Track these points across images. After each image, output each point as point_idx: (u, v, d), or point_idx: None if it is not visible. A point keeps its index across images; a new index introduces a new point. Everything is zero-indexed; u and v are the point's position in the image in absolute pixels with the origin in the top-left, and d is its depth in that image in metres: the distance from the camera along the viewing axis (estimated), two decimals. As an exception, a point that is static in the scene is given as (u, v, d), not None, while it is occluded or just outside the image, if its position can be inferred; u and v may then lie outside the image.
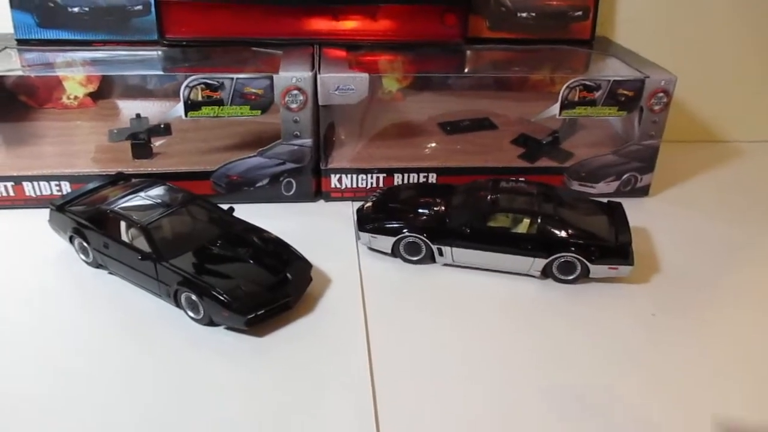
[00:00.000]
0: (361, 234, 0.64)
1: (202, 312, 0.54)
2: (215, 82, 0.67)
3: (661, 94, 0.71)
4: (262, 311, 0.53)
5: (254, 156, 0.72)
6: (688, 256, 0.66)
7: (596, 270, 0.60)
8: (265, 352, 0.53)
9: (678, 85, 0.71)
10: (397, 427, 0.46)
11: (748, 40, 0.91)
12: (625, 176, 0.76)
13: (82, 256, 0.62)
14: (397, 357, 0.52)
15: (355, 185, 0.74)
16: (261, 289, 0.54)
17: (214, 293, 0.53)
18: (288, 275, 0.56)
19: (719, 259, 0.67)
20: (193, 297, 0.54)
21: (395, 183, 0.74)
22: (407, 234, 0.62)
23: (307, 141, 0.71)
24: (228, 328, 0.54)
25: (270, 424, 0.46)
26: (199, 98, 0.68)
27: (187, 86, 0.67)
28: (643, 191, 0.77)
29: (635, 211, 0.66)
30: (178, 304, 0.56)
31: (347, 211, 0.73)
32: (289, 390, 0.49)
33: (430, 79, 0.87)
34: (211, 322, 0.55)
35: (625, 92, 0.71)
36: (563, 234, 0.60)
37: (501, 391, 0.49)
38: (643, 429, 0.46)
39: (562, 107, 0.71)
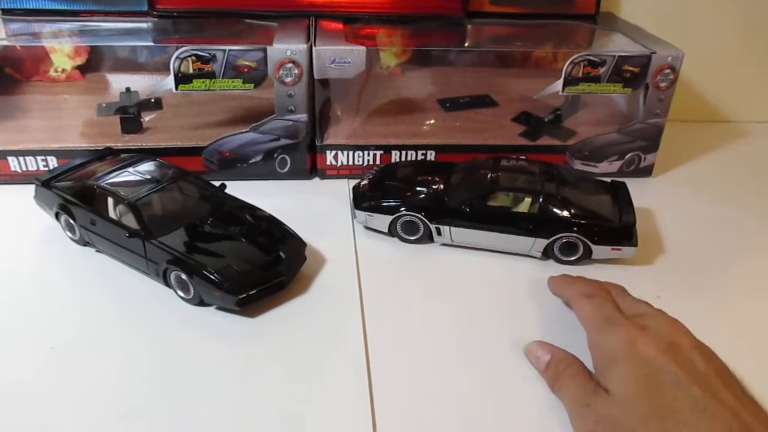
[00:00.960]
0: (357, 212, 0.63)
1: (192, 292, 0.52)
2: (207, 54, 0.65)
3: (668, 71, 0.69)
4: (255, 291, 0.52)
5: (247, 131, 0.70)
6: (693, 237, 0.65)
7: (599, 251, 0.58)
8: (258, 332, 0.51)
9: (683, 63, 0.69)
10: (393, 407, 0.44)
11: (755, 18, 0.88)
12: (629, 156, 0.74)
13: (69, 234, 0.60)
14: (393, 338, 0.50)
15: (351, 162, 0.72)
16: (253, 268, 0.52)
17: (205, 272, 0.51)
18: (281, 254, 0.54)
19: (724, 240, 0.65)
20: (183, 276, 0.52)
21: (392, 160, 0.72)
22: (404, 212, 0.60)
23: (302, 116, 0.69)
24: (219, 309, 0.53)
25: (263, 405, 0.44)
26: (190, 71, 0.65)
27: (177, 58, 0.65)
28: (647, 171, 0.75)
29: (638, 191, 0.64)
30: (167, 284, 0.54)
31: (343, 188, 0.71)
32: (283, 371, 0.47)
33: (429, 54, 0.85)
34: (201, 302, 0.53)
35: (631, 68, 0.69)
36: (565, 214, 0.58)
37: (498, 373, 0.48)
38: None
39: (566, 83, 0.69)
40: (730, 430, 0.37)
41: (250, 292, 0.51)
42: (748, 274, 0.60)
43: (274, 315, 0.53)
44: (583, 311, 0.49)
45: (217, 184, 0.61)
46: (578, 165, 0.74)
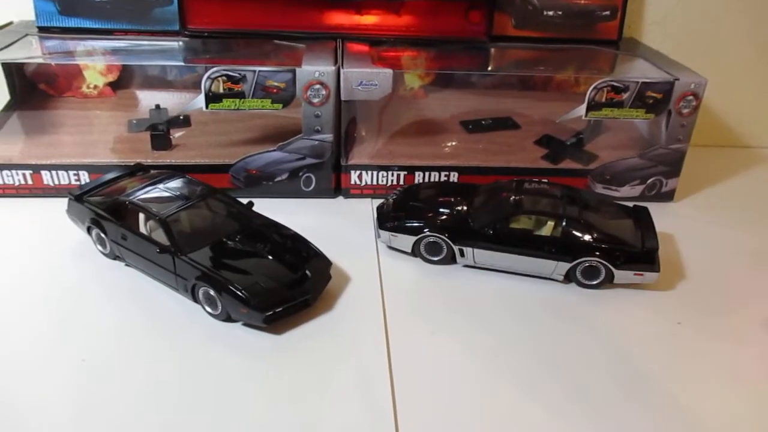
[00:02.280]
0: (381, 232, 0.63)
1: (220, 308, 0.53)
2: (237, 75, 0.66)
3: (690, 97, 0.70)
4: (281, 308, 0.53)
5: (274, 150, 0.71)
6: (715, 263, 0.65)
7: (621, 276, 0.59)
8: (283, 349, 0.52)
9: (705, 89, 0.69)
10: (417, 427, 0.45)
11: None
12: (651, 180, 0.74)
13: (100, 248, 0.62)
14: (416, 358, 0.51)
15: (375, 182, 0.73)
16: (280, 286, 0.53)
17: (233, 289, 0.52)
18: (307, 272, 0.55)
19: (746, 267, 0.65)
20: (211, 292, 0.53)
21: (416, 181, 0.73)
22: (428, 233, 0.61)
23: (328, 136, 0.70)
24: (246, 325, 0.54)
25: (287, 422, 0.45)
26: (221, 90, 0.67)
27: (208, 78, 0.66)
28: (668, 196, 0.76)
29: (660, 216, 0.64)
30: (195, 299, 0.55)
31: (367, 208, 0.72)
32: (306, 389, 0.48)
33: (452, 77, 0.87)
34: (228, 318, 0.54)
35: (654, 94, 0.69)
36: (588, 238, 0.58)
37: (521, 396, 0.48)
38: (669, 441, 0.45)
39: (589, 108, 0.70)
40: None
41: (277, 310, 0.52)
42: (770, 302, 0.60)
43: (300, 332, 0.53)
44: None
45: (244, 201, 0.62)
46: (600, 189, 0.75)
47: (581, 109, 0.70)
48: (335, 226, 0.69)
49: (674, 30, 0.87)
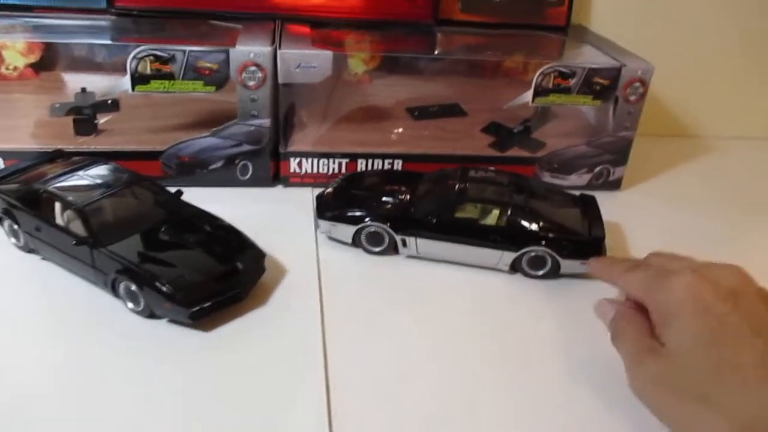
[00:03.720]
0: (320, 222, 0.60)
1: (143, 303, 0.49)
2: (166, 54, 0.62)
3: (638, 84, 0.68)
4: (209, 303, 0.49)
5: (207, 136, 0.67)
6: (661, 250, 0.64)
7: (568, 265, 0.57)
8: (212, 348, 0.48)
9: (652, 77, 0.68)
10: (352, 428, 0.42)
11: (724, 34, 0.89)
12: (598, 168, 0.73)
13: (13, 240, 0.57)
14: (354, 354, 0.48)
15: (315, 170, 0.70)
16: (208, 280, 0.50)
17: (156, 283, 0.48)
18: (238, 265, 0.52)
19: (694, 255, 0.64)
20: (133, 287, 0.49)
21: (359, 169, 0.70)
22: (369, 223, 0.58)
23: (265, 121, 0.66)
24: (171, 322, 0.50)
25: (214, 426, 0.42)
26: (148, 71, 0.62)
27: (134, 57, 0.62)
28: (616, 185, 0.75)
29: (607, 204, 0.63)
30: (116, 294, 0.51)
31: (307, 197, 0.69)
32: (236, 390, 0.44)
33: (398, 61, 0.83)
34: (152, 315, 0.50)
35: (601, 81, 0.68)
36: (534, 227, 0.57)
37: (464, 390, 0.46)
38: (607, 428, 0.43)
39: (536, 94, 0.68)
40: None
41: (204, 305, 0.49)
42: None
43: (230, 329, 0.50)
44: (631, 284, 0.46)
45: (173, 190, 0.58)
46: (547, 177, 0.73)
47: (528, 95, 0.68)
48: (273, 216, 0.65)
49: (622, 17, 0.86)
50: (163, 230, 0.53)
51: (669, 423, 0.39)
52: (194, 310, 0.48)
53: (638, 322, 0.43)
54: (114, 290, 0.51)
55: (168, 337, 0.49)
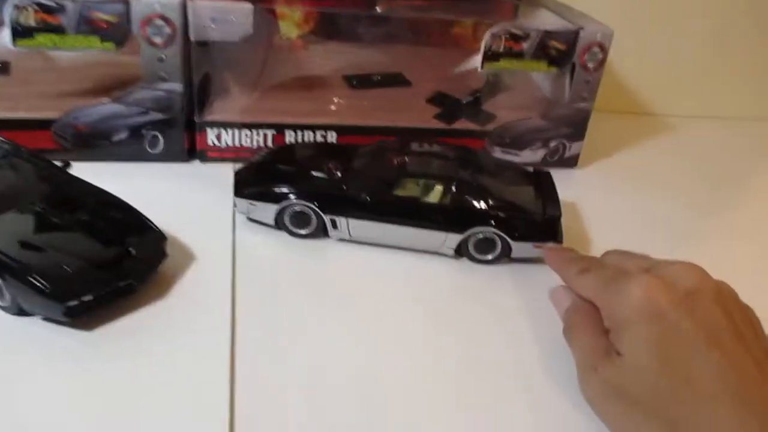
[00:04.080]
0: (237, 200, 0.52)
1: (9, 298, 0.40)
2: (52, 3, 0.52)
3: (597, 50, 0.62)
4: (90, 297, 0.40)
5: (108, 102, 0.58)
6: (622, 233, 0.58)
7: (519, 249, 0.50)
8: (96, 350, 0.40)
9: (610, 53, 0.62)
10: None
11: (685, 11, 0.84)
12: (553, 144, 0.67)
13: None
14: (270, 360, 0.40)
15: (237, 144, 0.61)
16: (90, 268, 0.41)
17: (23, 273, 0.39)
18: (131, 249, 0.43)
19: (653, 236, 0.58)
20: (-5, 277, 0.40)
21: (287, 142, 0.62)
22: (294, 201, 0.50)
23: (176, 86, 0.57)
24: (46, 319, 0.41)
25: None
26: (32, 22, 0.53)
27: (14, 6, 0.52)
28: (572, 162, 0.69)
29: (563, 183, 0.56)
30: (-23, 287, 0.42)
31: (227, 175, 0.59)
32: (125, 400, 0.36)
33: (336, 27, 0.75)
34: (22, 311, 0.41)
35: (557, 45, 0.61)
36: (482, 205, 0.50)
37: (403, 396, 0.39)
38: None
39: (485, 58, 0.61)
40: (753, 410, 0.32)
41: (84, 299, 0.40)
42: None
43: (118, 328, 0.41)
44: (584, 288, 0.42)
45: (60, 164, 0.49)
46: (498, 153, 0.66)
47: (476, 60, 0.61)
48: (185, 195, 0.57)
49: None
50: (40, 209, 0.44)
51: None
52: (71, 305, 0.39)
53: (594, 319, 0.40)
54: (-26, 282, 0.42)
55: (41, 337, 0.40)
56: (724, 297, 0.37)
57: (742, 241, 0.60)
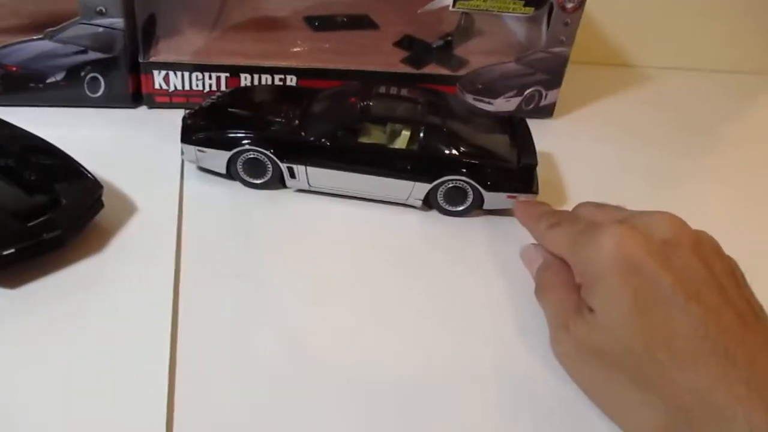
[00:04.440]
0: (185, 147, 0.47)
1: None
2: None
3: (576, -12, 0.58)
4: (11, 250, 0.36)
5: (41, 39, 0.52)
6: (599, 183, 0.55)
7: (492, 199, 0.47)
8: (17, 311, 0.35)
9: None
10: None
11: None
12: (528, 91, 0.63)
13: None
14: (216, 323, 0.37)
15: (188, 87, 0.56)
16: (10, 218, 0.36)
17: (-69, 223, 0.34)
18: (61, 198, 0.38)
19: (632, 185, 0.56)
20: None
21: (242, 85, 0.57)
22: (247, 147, 0.46)
23: (117, 21, 0.52)
24: (-39, 276, 0.37)
25: (22, 414, 0.30)
26: (-53, -55, 0.47)
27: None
28: (548, 111, 0.65)
29: (538, 133, 0.53)
30: None
31: (176, 121, 0.55)
32: (52, 367, 0.32)
33: (297, -37, 0.70)
34: (-66, 267, 0.36)
35: (534, -18, 0.57)
36: (452, 151, 0.46)
37: (364, 351, 0.35)
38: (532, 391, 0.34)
39: (457, -5, 0.56)
40: (734, 364, 0.29)
41: (4, 252, 0.35)
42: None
43: (47, 285, 0.37)
44: (554, 243, 0.39)
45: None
46: (470, 101, 0.62)
47: (448, -3, 0.57)
48: (130, 143, 0.52)
49: None
50: (-47, 153, 0.39)
51: (595, 398, 0.34)
52: (-12, 259, 0.35)
53: (566, 275, 0.37)
54: None
55: (-44, 297, 0.36)
56: (704, 247, 0.34)
57: (717, 186, 0.58)
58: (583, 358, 0.34)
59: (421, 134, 0.46)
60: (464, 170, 0.46)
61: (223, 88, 0.57)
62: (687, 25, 0.85)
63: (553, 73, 0.62)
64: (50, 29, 0.52)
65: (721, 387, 0.29)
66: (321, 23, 0.65)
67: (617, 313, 0.32)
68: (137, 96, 0.56)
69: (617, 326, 0.32)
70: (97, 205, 0.41)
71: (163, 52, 0.56)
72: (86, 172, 0.41)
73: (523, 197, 0.46)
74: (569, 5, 0.59)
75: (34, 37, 0.52)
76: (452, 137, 0.46)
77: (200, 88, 0.56)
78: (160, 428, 0.30)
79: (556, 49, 0.61)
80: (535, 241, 0.42)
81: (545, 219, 0.41)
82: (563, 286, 0.37)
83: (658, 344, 0.31)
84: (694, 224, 0.35)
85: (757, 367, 0.29)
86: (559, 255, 0.39)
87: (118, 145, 0.51)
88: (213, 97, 0.52)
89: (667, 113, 0.73)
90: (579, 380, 0.35)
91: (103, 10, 0.51)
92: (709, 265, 0.33)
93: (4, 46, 0.52)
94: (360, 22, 0.67)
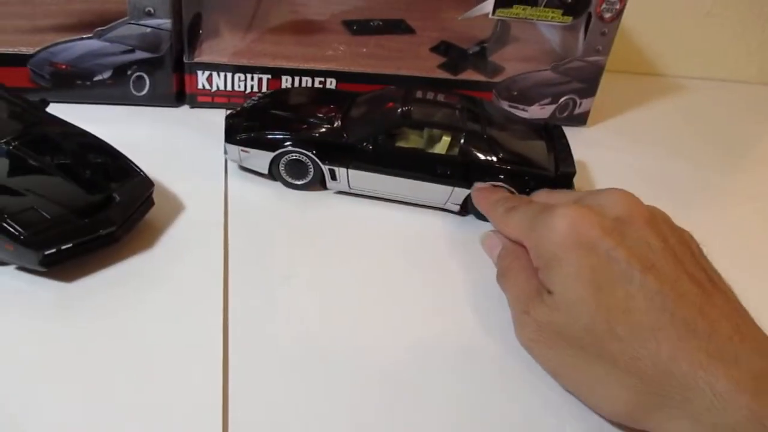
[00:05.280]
0: (229, 147, 0.48)
1: (-21, 244, 0.37)
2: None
3: (614, -2, 0.58)
4: (69, 245, 0.37)
5: (90, 38, 0.54)
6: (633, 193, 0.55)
7: (530, 206, 0.47)
8: (74, 305, 0.37)
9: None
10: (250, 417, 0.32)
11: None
12: (563, 99, 0.63)
13: None
14: (264, 315, 0.38)
15: (230, 88, 0.57)
16: (69, 214, 0.38)
17: (-6, 217, 0.36)
18: (115, 196, 0.40)
19: (666, 198, 0.55)
20: (-36, 221, 0.37)
21: (282, 87, 0.58)
22: (290, 149, 0.47)
23: (164, 22, 0.53)
24: (19, 269, 0.38)
25: (77, 404, 0.31)
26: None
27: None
28: (581, 119, 0.65)
29: (570, 140, 0.53)
30: (-56, 232, 0.38)
31: (218, 120, 0.56)
32: (106, 359, 0.33)
33: (334, -33, 0.71)
34: (-6, 260, 0.38)
35: (573, -9, 0.57)
36: (492, 158, 0.46)
37: (402, 355, 0.36)
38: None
39: (498, 4, 0.57)
40: (694, 333, 0.30)
41: (62, 247, 0.37)
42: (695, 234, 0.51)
43: (100, 280, 0.38)
44: (510, 227, 0.40)
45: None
46: (505, 107, 0.63)
47: (488, 5, 0.57)
48: (174, 141, 0.53)
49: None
50: (13, 147, 0.40)
51: (563, 380, 0.34)
52: (48, 253, 0.36)
53: (525, 260, 0.38)
54: (-59, 226, 0.38)
55: (14, 289, 0.37)
56: (657, 220, 0.35)
57: (748, 204, 0.58)
58: (546, 340, 0.34)
59: (462, 140, 0.46)
60: (502, 177, 0.46)
61: (264, 89, 0.58)
62: (721, 35, 0.85)
63: (589, 82, 0.63)
64: (99, 28, 0.53)
65: (682, 356, 0.29)
66: (359, 27, 0.65)
67: (575, 292, 0.32)
68: (180, 95, 0.57)
69: (576, 306, 0.32)
70: (148, 202, 0.42)
71: (206, 53, 0.57)
72: (138, 170, 0.42)
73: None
74: (607, 15, 0.59)
75: (84, 36, 0.54)
76: (492, 144, 0.47)
77: (242, 89, 0.58)
78: (216, 425, 0.31)
79: (592, 58, 0.62)
80: (493, 230, 0.43)
81: (501, 204, 0.42)
82: (523, 271, 0.37)
83: (617, 320, 0.31)
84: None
85: (717, 334, 0.30)
86: (516, 239, 0.39)
87: (162, 143, 0.52)
88: (254, 98, 0.53)
89: (699, 125, 0.73)
90: (544, 363, 0.35)
91: (152, 10, 0.52)
92: (663, 238, 0.34)
93: (54, 45, 0.53)
94: (397, 27, 0.67)
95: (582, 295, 0.32)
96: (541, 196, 0.42)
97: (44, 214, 0.37)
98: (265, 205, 0.47)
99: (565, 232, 0.33)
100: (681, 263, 0.33)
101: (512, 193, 0.46)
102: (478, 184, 0.46)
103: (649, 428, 0.31)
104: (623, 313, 0.31)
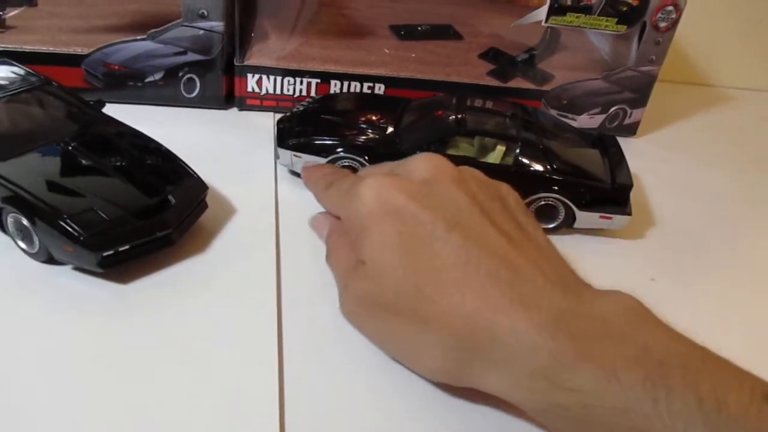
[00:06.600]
0: (281, 151, 0.48)
1: (37, 244, 0.37)
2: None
3: (671, 8, 0.57)
4: (126, 247, 0.37)
5: (143, 39, 0.54)
6: (686, 208, 0.54)
7: (584, 218, 0.46)
8: (131, 305, 0.37)
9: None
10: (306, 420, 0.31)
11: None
12: (613, 109, 0.62)
13: None
14: (318, 319, 0.37)
15: (279, 91, 0.57)
16: (127, 216, 0.38)
17: (53, 217, 0.36)
18: (170, 198, 0.40)
19: (720, 212, 0.55)
20: (24, 221, 0.37)
21: (331, 91, 0.58)
22: (342, 154, 0.47)
23: (217, 24, 0.53)
24: (77, 269, 0.38)
25: (132, 403, 0.31)
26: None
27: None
28: (631, 129, 0.64)
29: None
30: (3, 230, 0.39)
31: (267, 123, 0.56)
32: (161, 359, 0.33)
33: (382, -29, 0.70)
34: (51, 259, 0.38)
35: (629, 0, 0.56)
36: (547, 168, 0.46)
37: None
38: None
39: (551, 11, 0.56)
40: (497, 281, 0.30)
41: (120, 248, 0.37)
42: (750, 253, 0.50)
43: (155, 281, 0.38)
44: (328, 202, 0.41)
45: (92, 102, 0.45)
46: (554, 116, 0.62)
47: (541, 12, 0.56)
48: (224, 144, 0.53)
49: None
50: (72, 148, 0.40)
51: (387, 349, 0.34)
52: (106, 254, 0.36)
53: (349, 236, 0.37)
54: (1, 224, 0.38)
55: (70, 288, 0.37)
56: (465, 178, 0.35)
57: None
58: (364, 311, 0.34)
59: (517, 150, 0.46)
60: (556, 188, 0.46)
61: (312, 93, 0.58)
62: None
63: (640, 92, 0.62)
64: (153, 30, 0.54)
65: (485, 306, 0.29)
66: (406, 32, 0.65)
67: (384, 260, 0.32)
68: (229, 98, 0.57)
69: (387, 272, 0.32)
70: (201, 205, 0.42)
71: (256, 56, 0.57)
72: (193, 173, 0.42)
73: (615, 219, 0.46)
74: (663, 24, 0.58)
75: (137, 38, 0.54)
76: (548, 154, 0.46)
77: (291, 92, 0.57)
78: (273, 429, 0.31)
79: (645, 68, 0.60)
80: (322, 212, 0.43)
81: (322, 181, 0.42)
82: (344, 247, 0.37)
83: (426, 281, 0.31)
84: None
85: (521, 280, 0.30)
86: (336, 215, 0.39)
87: (212, 145, 0.52)
88: (304, 102, 0.53)
89: (750, 137, 0.71)
90: (367, 334, 0.35)
91: (205, 13, 0.53)
92: (471, 195, 0.34)
93: (108, 45, 0.54)
94: (444, 32, 0.67)
95: (391, 262, 0.32)
96: (363, 171, 0.42)
97: (103, 215, 0.37)
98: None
99: (371, 202, 0.34)
100: (489, 216, 0.33)
101: (567, 206, 0.45)
102: (305, 163, 0.46)
103: (472, 385, 0.31)
104: (430, 272, 0.31)
